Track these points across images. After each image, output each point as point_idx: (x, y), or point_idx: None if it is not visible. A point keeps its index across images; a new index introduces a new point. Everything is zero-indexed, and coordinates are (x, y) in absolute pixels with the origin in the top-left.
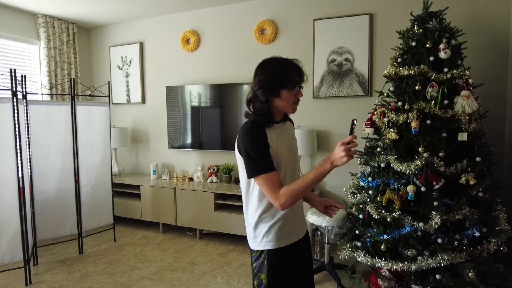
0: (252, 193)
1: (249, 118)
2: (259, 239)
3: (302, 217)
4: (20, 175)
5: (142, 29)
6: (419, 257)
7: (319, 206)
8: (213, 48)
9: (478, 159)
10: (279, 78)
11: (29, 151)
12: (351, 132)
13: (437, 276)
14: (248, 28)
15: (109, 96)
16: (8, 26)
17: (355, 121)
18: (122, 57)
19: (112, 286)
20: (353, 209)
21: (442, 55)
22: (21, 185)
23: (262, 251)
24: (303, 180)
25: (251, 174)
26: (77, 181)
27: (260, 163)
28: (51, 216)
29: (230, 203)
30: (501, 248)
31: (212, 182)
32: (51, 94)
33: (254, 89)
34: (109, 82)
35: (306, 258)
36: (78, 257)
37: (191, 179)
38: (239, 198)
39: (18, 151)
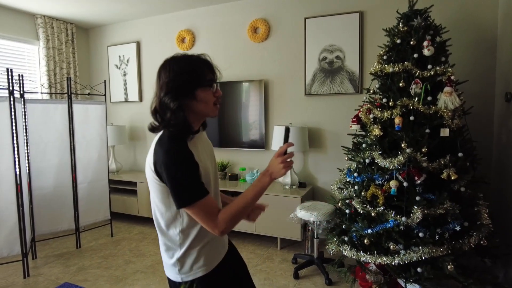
0: (176, 222)
1: (159, 132)
2: (187, 269)
3: None
4: (17, 172)
5: (139, 29)
6: (402, 251)
7: None
8: (208, 46)
9: (460, 154)
10: (189, 76)
11: (27, 148)
12: (286, 140)
13: (419, 269)
14: (241, 27)
15: (105, 95)
16: (7, 27)
17: (289, 128)
18: (119, 56)
19: (106, 279)
20: (340, 204)
21: (426, 52)
22: (18, 182)
23: (193, 280)
24: (243, 199)
25: (182, 204)
26: (74, 178)
27: (193, 189)
28: (49, 212)
29: None
30: (481, 242)
31: None
32: (49, 93)
33: (160, 95)
34: (105, 81)
35: (237, 269)
36: (75, 251)
37: None
38: (232, 194)
39: (15, 148)
